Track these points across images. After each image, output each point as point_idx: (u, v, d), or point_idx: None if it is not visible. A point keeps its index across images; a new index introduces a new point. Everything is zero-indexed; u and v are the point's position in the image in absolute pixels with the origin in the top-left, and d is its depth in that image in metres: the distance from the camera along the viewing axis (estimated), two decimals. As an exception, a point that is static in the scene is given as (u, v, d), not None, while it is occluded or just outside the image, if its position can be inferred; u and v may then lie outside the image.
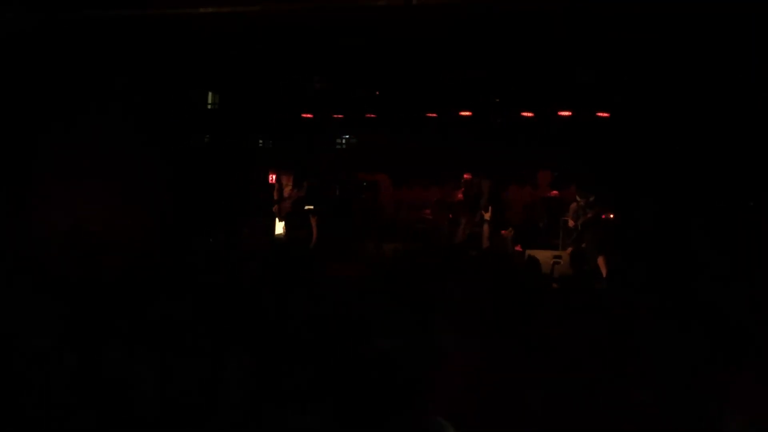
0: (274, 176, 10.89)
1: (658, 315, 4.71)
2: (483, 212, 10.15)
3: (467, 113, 10.88)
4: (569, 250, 9.10)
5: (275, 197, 10.31)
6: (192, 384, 3.20)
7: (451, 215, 10.40)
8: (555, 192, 10.52)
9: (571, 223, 9.01)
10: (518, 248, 9.78)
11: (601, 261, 8.39)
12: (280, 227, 10.28)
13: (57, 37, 8.20)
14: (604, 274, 8.30)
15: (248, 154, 11.88)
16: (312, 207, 10.34)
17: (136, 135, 9.29)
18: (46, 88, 8.22)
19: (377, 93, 11.13)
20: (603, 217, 8.97)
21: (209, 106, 11.90)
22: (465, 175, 10.53)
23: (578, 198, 8.95)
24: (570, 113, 10.31)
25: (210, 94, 11.88)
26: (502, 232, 10.04)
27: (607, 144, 9.77)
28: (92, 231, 6.86)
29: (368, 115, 11.40)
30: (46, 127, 8.23)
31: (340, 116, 11.63)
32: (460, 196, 10.45)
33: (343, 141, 12.59)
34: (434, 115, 11.18)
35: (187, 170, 10.32)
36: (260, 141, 12.52)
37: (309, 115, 11.73)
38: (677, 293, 5.02)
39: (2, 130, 7.82)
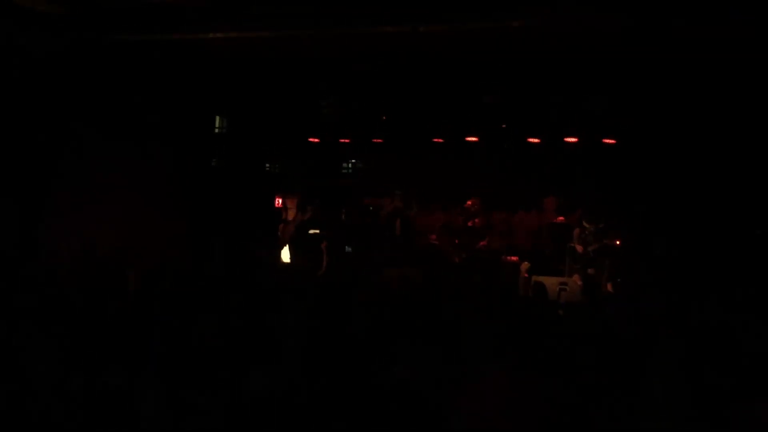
0: (280, 200, 10.88)
1: (668, 344, 4.66)
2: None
3: (473, 139, 10.91)
4: (575, 276, 9.06)
5: (282, 220, 10.29)
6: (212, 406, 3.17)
7: (456, 241, 10.36)
8: (561, 218, 10.49)
9: (579, 249, 8.98)
10: (524, 275, 9.73)
11: (609, 288, 8.36)
12: (286, 252, 10.23)
13: (78, 59, 8.34)
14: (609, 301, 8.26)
15: (256, 176, 11.94)
16: (317, 231, 10.32)
17: (149, 155, 9.39)
18: (69, 107, 8.36)
19: (384, 118, 11.19)
20: (610, 243, 8.94)
21: (217, 129, 11.97)
22: (468, 202, 10.53)
23: (586, 224, 8.94)
24: (577, 139, 10.34)
25: (218, 117, 11.97)
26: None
27: (616, 170, 9.79)
28: (107, 248, 6.92)
29: (375, 140, 11.44)
30: (65, 147, 8.37)
31: (346, 141, 11.66)
32: (465, 221, 10.43)
33: (350, 165, 12.60)
34: (440, 140, 11.21)
35: (194, 190, 10.42)
36: (267, 165, 12.55)
37: (316, 140, 11.77)
38: (689, 322, 4.99)
39: (29, 148, 7.97)
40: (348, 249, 10.21)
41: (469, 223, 10.39)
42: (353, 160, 12.53)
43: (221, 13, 7.65)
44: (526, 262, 8.57)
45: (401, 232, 9.95)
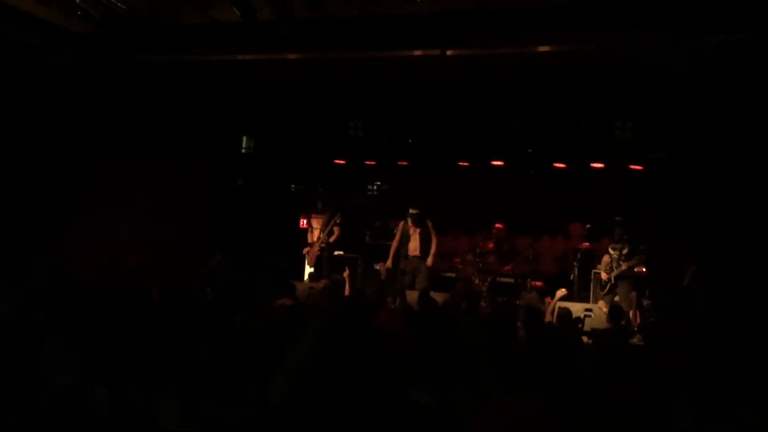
0: (304, 220, 10.94)
1: (692, 377, 4.55)
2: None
3: (499, 163, 10.90)
4: (600, 303, 8.96)
5: (308, 241, 10.33)
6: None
7: (480, 264, 10.31)
8: (587, 244, 10.40)
9: (604, 276, 8.90)
10: (548, 300, 9.64)
11: (633, 315, 8.25)
12: (310, 272, 10.24)
13: (109, 76, 8.55)
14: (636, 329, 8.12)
15: (281, 195, 12.06)
16: (342, 253, 10.35)
17: (175, 170, 9.54)
18: (98, 122, 8.56)
19: (410, 141, 11.23)
20: (636, 270, 8.84)
21: (244, 149, 12.15)
22: (496, 225, 10.48)
23: (611, 250, 8.87)
24: (603, 165, 10.27)
25: (245, 137, 12.16)
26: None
27: (643, 196, 9.71)
28: (131, 260, 7.00)
29: (400, 163, 11.48)
30: (92, 160, 8.56)
31: (372, 162, 11.72)
32: (490, 245, 10.37)
33: (375, 188, 12.67)
34: (466, 164, 11.21)
35: (219, 206, 10.55)
36: (292, 185, 12.70)
37: (341, 161, 11.86)
38: (716, 353, 4.86)
39: (58, 160, 8.15)
40: (376, 267, 10.22)
41: (492, 246, 10.33)
42: (378, 182, 12.59)
43: (252, 35, 7.79)
44: (563, 289, 8.49)
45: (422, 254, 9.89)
